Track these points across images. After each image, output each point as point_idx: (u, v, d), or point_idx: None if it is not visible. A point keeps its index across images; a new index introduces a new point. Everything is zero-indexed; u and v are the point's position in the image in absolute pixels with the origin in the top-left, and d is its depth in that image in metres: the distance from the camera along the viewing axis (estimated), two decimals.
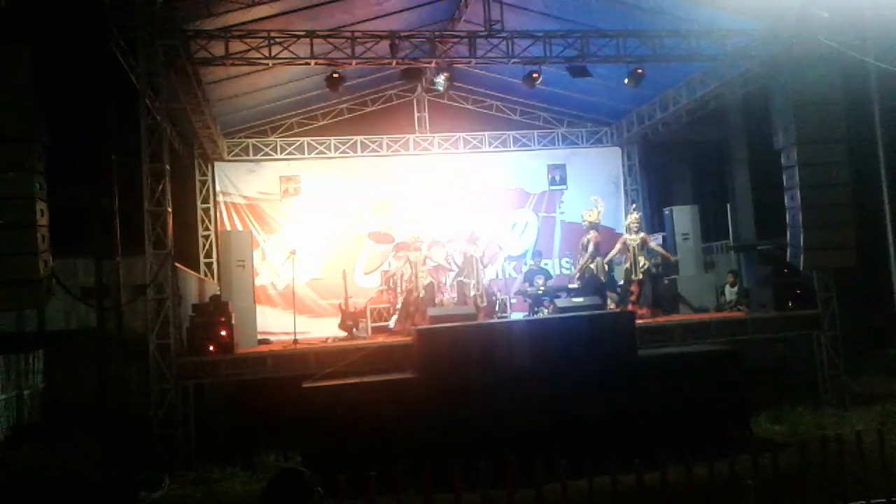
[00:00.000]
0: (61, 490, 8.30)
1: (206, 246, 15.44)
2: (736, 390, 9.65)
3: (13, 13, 8.87)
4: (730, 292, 13.66)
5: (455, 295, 13.06)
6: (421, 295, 12.24)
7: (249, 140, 15.70)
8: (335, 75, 11.37)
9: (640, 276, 13.03)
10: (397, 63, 11.41)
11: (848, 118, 11.55)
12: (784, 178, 11.57)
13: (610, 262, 13.64)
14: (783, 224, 11.77)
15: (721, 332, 11.51)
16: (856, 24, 11.59)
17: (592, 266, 13.14)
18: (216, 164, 15.42)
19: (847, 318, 12.11)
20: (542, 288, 13.08)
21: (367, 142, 16.13)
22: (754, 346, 12.46)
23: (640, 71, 11.93)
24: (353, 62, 11.12)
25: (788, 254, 11.65)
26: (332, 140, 15.96)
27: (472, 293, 12.64)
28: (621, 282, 13.84)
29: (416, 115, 16.65)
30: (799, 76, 11.15)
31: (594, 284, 13.03)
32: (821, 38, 10.89)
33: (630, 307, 12.73)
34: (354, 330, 12.64)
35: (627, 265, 13.23)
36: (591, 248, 13.23)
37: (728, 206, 18.16)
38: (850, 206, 11.23)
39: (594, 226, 13.36)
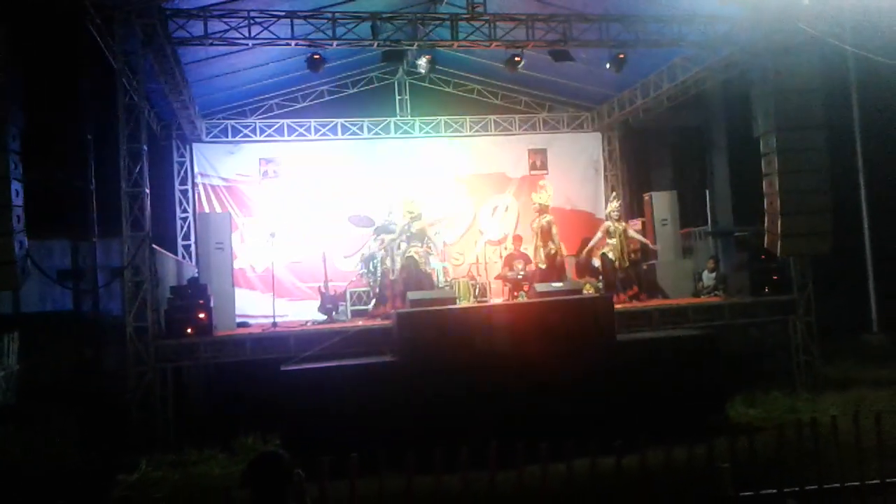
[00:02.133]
0: (37, 472, 8.24)
1: (185, 228, 15.34)
2: (712, 374, 9.74)
3: None
4: (708, 278, 13.77)
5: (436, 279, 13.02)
6: (393, 278, 12.19)
7: (228, 121, 15.57)
8: (315, 57, 11.28)
9: (628, 263, 13.08)
10: (378, 45, 11.34)
11: (826, 106, 11.64)
12: (762, 164, 11.65)
13: (591, 249, 13.69)
14: (761, 210, 11.86)
15: (698, 318, 11.59)
16: (835, 13, 11.67)
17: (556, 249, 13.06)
18: (195, 145, 15.29)
19: (822, 303, 12.25)
20: (521, 272, 13.10)
21: (347, 124, 16.06)
22: (730, 332, 12.59)
23: (622, 56, 11.94)
24: (334, 43, 11.03)
25: (766, 240, 11.75)
26: (312, 122, 15.87)
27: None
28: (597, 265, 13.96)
29: (397, 98, 16.58)
30: (779, 63, 11.21)
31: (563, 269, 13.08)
32: (801, 25, 10.94)
33: (627, 293, 12.79)
34: (334, 313, 12.63)
35: (608, 251, 13.26)
36: (554, 230, 13.11)
37: (707, 192, 18.28)
38: (827, 192, 11.32)
39: (546, 208, 13.27)
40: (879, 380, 11.89)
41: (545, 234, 13.04)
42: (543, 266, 12.95)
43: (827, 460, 5.90)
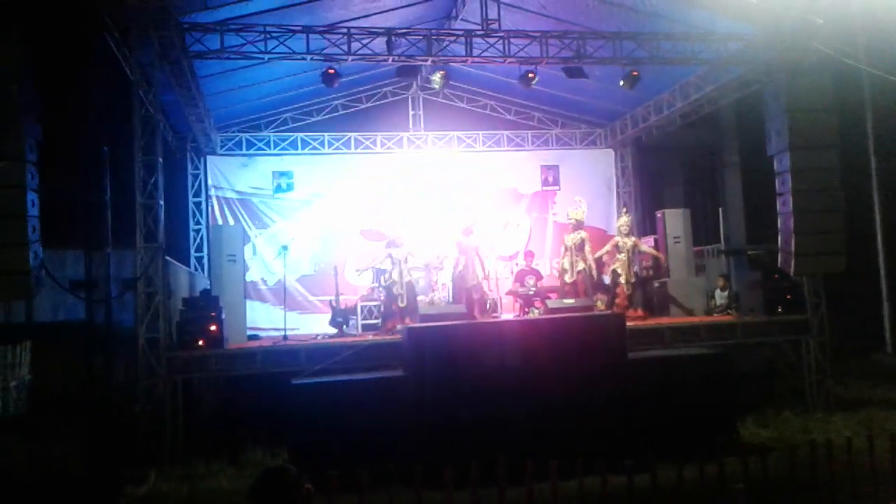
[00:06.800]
0: (46, 483, 8.24)
1: (197, 240, 15.40)
2: (724, 393, 9.69)
3: (4, 2, 8.78)
4: (720, 296, 13.70)
5: (446, 294, 13.02)
6: (402, 292, 12.20)
7: (243, 134, 15.66)
8: (330, 71, 11.32)
9: (633, 279, 13.04)
10: (393, 60, 11.38)
11: (840, 124, 11.60)
12: (776, 183, 11.60)
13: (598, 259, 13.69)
14: (774, 229, 11.80)
15: (710, 336, 11.52)
16: (849, 32, 11.65)
17: (585, 266, 13.13)
18: (209, 157, 15.38)
19: (835, 323, 12.16)
20: (533, 288, 13.07)
21: (360, 138, 16.11)
22: (742, 350, 12.50)
23: (635, 73, 11.95)
24: (349, 58, 11.08)
25: (779, 259, 11.69)
26: (326, 136, 15.93)
27: (470, 284, 12.50)
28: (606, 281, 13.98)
29: (411, 112, 16.65)
30: (793, 82, 11.18)
31: (591, 285, 13.08)
32: (815, 44, 10.92)
33: (616, 309, 12.74)
34: (345, 327, 12.62)
35: (617, 267, 13.23)
36: (587, 247, 13.16)
37: (719, 210, 18.21)
38: (841, 211, 11.26)
39: (581, 224, 13.34)
40: (892, 400, 11.78)
41: (578, 251, 13.06)
42: (569, 280, 12.94)
43: (841, 482, 5.83)
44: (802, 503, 5.65)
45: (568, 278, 13.08)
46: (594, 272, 13.18)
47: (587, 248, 13.07)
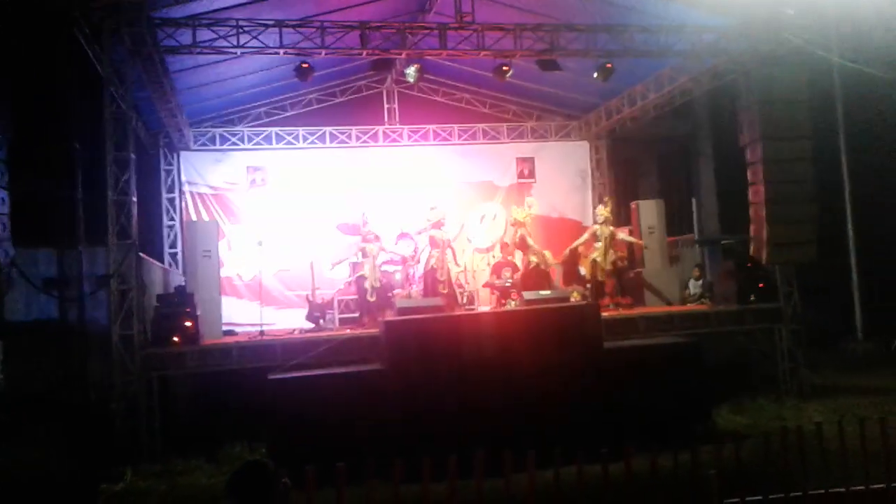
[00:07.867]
0: (21, 482, 8.16)
1: (172, 236, 15.30)
2: (699, 382, 9.80)
3: None
4: (694, 286, 13.84)
5: (422, 287, 13.04)
6: (376, 286, 12.22)
7: (216, 130, 15.53)
8: (304, 65, 11.28)
9: (611, 268, 13.14)
10: (367, 54, 11.36)
11: (812, 115, 11.73)
12: (748, 173, 11.73)
13: (575, 249, 13.82)
14: (747, 219, 11.94)
15: (685, 325, 11.64)
16: (821, 24, 11.79)
17: (534, 259, 13.24)
18: (182, 153, 15.24)
19: (807, 311, 12.32)
20: (509, 280, 13.13)
21: (335, 133, 16.06)
22: (717, 339, 12.64)
23: (609, 65, 12.01)
24: (323, 52, 11.04)
25: (751, 248, 11.82)
26: (301, 130, 15.86)
27: (442, 279, 12.54)
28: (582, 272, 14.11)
29: (386, 106, 16.61)
30: (765, 73, 11.31)
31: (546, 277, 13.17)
32: (788, 36, 11.04)
33: (607, 300, 12.86)
34: (321, 321, 12.61)
35: (597, 257, 13.32)
36: (529, 240, 13.29)
37: (693, 200, 18.36)
38: (812, 202, 11.41)
39: (521, 224, 13.47)
40: (864, 387, 11.97)
41: (519, 247, 13.20)
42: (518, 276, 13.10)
43: (812, 467, 5.92)
44: (774, 488, 5.74)
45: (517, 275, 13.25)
46: (548, 262, 13.30)
47: (530, 241, 13.24)
